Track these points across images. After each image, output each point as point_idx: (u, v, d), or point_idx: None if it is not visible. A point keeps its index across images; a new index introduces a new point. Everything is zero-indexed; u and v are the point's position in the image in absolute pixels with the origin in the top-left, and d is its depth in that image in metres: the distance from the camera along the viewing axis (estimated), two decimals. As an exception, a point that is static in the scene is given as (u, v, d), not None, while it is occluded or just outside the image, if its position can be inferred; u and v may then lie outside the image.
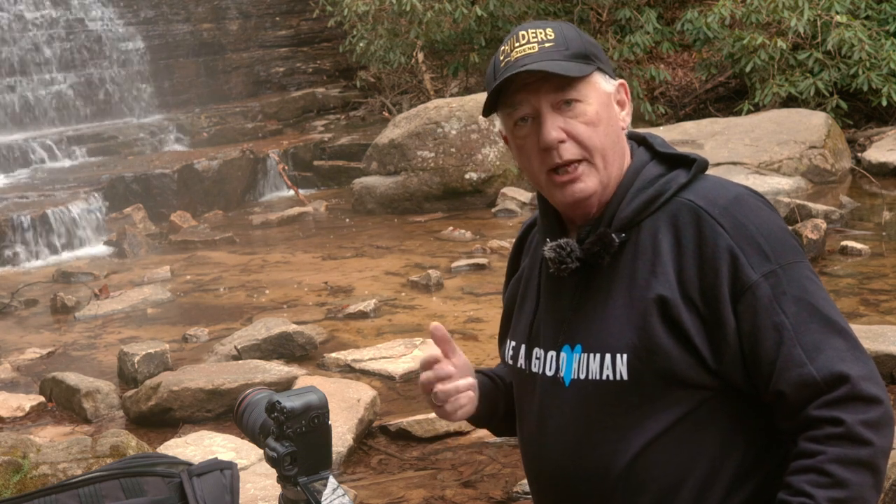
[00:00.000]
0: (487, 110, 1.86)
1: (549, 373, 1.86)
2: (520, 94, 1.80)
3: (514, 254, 2.09)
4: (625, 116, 1.86)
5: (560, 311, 1.87)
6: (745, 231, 1.72)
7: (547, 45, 1.78)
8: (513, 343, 1.97)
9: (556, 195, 1.83)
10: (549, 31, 1.80)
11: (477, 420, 2.04)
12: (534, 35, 1.80)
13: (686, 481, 1.75)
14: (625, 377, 1.75)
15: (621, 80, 1.88)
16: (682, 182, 1.80)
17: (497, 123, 1.91)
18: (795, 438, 1.68)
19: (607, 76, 1.84)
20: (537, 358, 1.89)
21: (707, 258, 1.72)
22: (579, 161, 1.79)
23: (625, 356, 1.75)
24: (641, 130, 1.99)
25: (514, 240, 2.12)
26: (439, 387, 1.88)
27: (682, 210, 1.77)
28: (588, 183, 1.80)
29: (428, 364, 1.89)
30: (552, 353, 1.86)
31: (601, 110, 1.80)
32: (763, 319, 1.69)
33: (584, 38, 1.83)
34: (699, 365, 1.72)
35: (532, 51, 1.78)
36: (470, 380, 1.91)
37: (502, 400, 2.05)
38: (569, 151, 1.79)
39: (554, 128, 1.78)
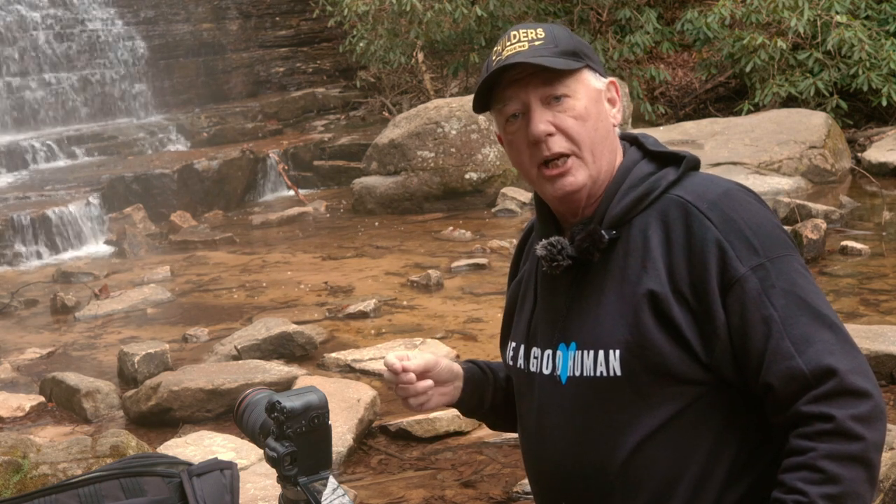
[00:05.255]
0: (480, 107, 1.90)
1: (546, 371, 1.88)
2: (509, 90, 1.84)
3: (515, 258, 2.12)
4: (615, 114, 1.89)
5: (555, 310, 1.88)
6: (733, 224, 1.73)
7: (537, 43, 1.82)
8: (513, 344, 1.99)
9: (547, 188, 1.86)
10: (539, 30, 1.84)
11: (464, 409, 2.08)
12: (525, 34, 1.84)
13: (682, 477, 1.76)
14: (618, 373, 1.76)
15: (612, 79, 1.91)
16: (672, 179, 1.82)
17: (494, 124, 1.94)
18: (787, 435, 1.69)
19: (597, 74, 1.87)
20: (535, 357, 1.91)
21: (696, 252, 1.73)
22: (568, 155, 1.82)
23: (618, 352, 1.76)
24: (636, 131, 2.01)
25: (514, 240, 2.15)
26: (400, 387, 1.94)
27: (672, 206, 1.79)
28: (577, 176, 1.83)
29: (388, 368, 1.94)
30: (549, 352, 1.88)
31: (590, 106, 1.83)
32: (752, 312, 1.70)
33: (575, 38, 1.87)
34: (691, 359, 1.73)
35: (522, 48, 1.81)
36: (429, 383, 1.95)
37: (490, 391, 2.08)
38: (557, 144, 1.82)
39: (542, 121, 1.81)
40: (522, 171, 1.91)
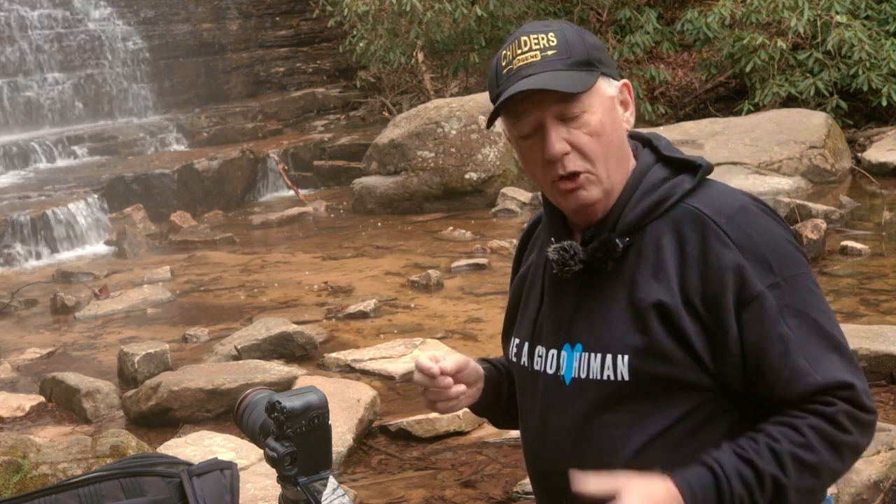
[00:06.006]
0: (490, 120, 1.86)
1: (549, 371, 1.87)
2: (523, 105, 1.78)
3: (518, 250, 2.11)
4: (628, 117, 1.85)
5: (562, 311, 1.88)
6: (750, 242, 1.73)
7: (550, 52, 1.76)
8: (517, 340, 1.98)
9: (561, 202, 1.84)
10: (551, 35, 1.78)
11: (479, 409, 2.06)
12: (536, 41, 1.78)
13: None
14: (625, 377, 1.76)
15: (624, 81, 1.85)
16: (688, 188, 1.80)
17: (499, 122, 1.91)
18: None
19: (610, 79, 1.82)
20: (539, 356, 1.90)
21: (711, 266, 1.72)
22: (583, 171, 1.79)
23: (626, 357, 1.75)
24: (645, 130, 1.98)
25: (514, 240, 2.14)
26: (432, 391, 1.90)
27: (687, 216, 1.77)
28: (592, 191, 1.80)
29: (423, 371, 1.89)
30: (553, 352, 1.87)
31: (605, 118, 1.79)
32: (768, 330, 1.70)
33: (588, 42, 1.81)
34: (700, 369, 1.73)
35: (535, 59, 1.76)
36: (462, 387, 1.93)
37: (505, 389, 2.07)
38: (573, 163, 1.78)
39: (558, 140, 1.77)
40: (536, 182, 1.88)
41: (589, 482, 1.65)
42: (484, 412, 2.10)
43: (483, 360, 2.08)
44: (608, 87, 1.81)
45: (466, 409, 5.08)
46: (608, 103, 1.80)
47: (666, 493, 1.65)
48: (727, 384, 1.74)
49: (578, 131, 1.77)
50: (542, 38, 1.78)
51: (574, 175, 1.79)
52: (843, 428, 1.67)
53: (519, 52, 1.78)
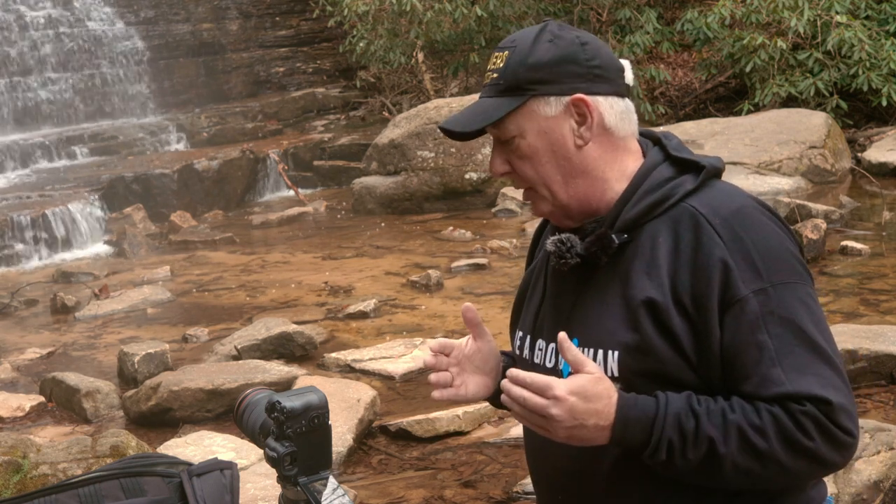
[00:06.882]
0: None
1: (549, 365, 1.88)
2: None
3: (532, 243, 2.13)
4: (583, 132, 1.80)
5: (562, 305, 1.89)
6: (742, 245, 1.71)
7: (494, 76, 1.82)
8: (520, 333, 2.00)
9: None
10: (505, 55, 1.81)
11: (496, 401, 2.04)
12: (494, 61, 1.83)
13: (680, 481, 1.74)
14: (615, 373, 1.76)
15: (577, 95, 1.78)
16: (689, 188, 1.79)
17: None
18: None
19: (550, 97, 1.78)
20: (539, 349, 1.92)
21: (700, 266, 1.71)
22: (527, 188, 1.86)
23: (616, 353, 1.76)
24: (657, 129, 1.98)
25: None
26: (432, 377, 1.94)
27: (685, 216, 1.76)
28: (540, 207, 1.86)
29: (437, 350, 1.93)
30: (552, 346, 1.88)
31: (536, 141, 1.79)
32: (746, 335, 1.68)
33: (530, 61, 1.78)
34: (686, 367, 1.73)
35: (487, 80, 1.83)
36: (446, 375, 1.94)
37: None
38: (517, 181, 1.87)
39: (498, 162, 1.85)
40: None
41: (570, 348, 1.67)
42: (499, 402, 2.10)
43: (504, 353, 2.08)
44: (545, 108, 1.79)
45: (466, 409, 5.12)
46: (544, 125, 1.79)
47: (602, 405, 1.66)
48: (710, 383, 1.73)
49: (512, 155, 1.83)
50: (499, 58, 1.82)
51: (525, 189, 1.86)
52: (805, 431, 1.63)
53: (488, 67, 1.85)
